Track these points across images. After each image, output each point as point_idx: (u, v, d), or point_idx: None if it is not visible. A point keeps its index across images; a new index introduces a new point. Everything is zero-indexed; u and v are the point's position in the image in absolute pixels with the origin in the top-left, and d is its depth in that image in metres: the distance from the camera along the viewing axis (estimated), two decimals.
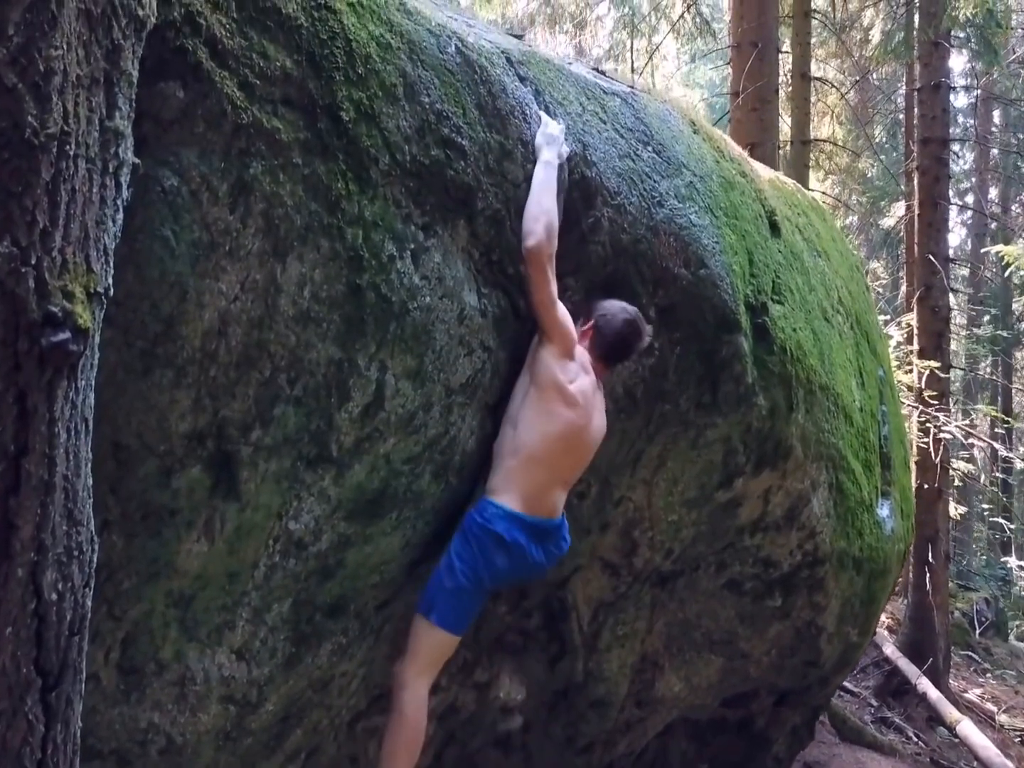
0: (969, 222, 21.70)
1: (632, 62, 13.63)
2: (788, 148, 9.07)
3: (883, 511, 4.39)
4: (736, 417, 3.12)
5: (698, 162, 3.06)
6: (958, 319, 17.26)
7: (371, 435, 2.18)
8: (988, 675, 12.26)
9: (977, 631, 13.63)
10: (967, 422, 9.38)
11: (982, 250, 15.22)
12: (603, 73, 3.17)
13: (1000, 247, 9.53)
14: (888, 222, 15.42)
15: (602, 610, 3.47)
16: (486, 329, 2.41)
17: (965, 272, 20.42)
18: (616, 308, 2.64)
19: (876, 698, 9.53)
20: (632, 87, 3.11)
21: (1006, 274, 9.89)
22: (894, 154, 15.32)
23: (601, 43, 14.25)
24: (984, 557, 13.49)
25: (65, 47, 1.41)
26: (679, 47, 12.59)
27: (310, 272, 1.96)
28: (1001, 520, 11.18)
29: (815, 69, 11.17)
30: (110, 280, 1.52)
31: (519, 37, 3.60)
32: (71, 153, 1.43)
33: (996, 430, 10.99)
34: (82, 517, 1.46)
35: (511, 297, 2.48)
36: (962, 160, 20.31)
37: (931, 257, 9.83)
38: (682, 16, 9.62)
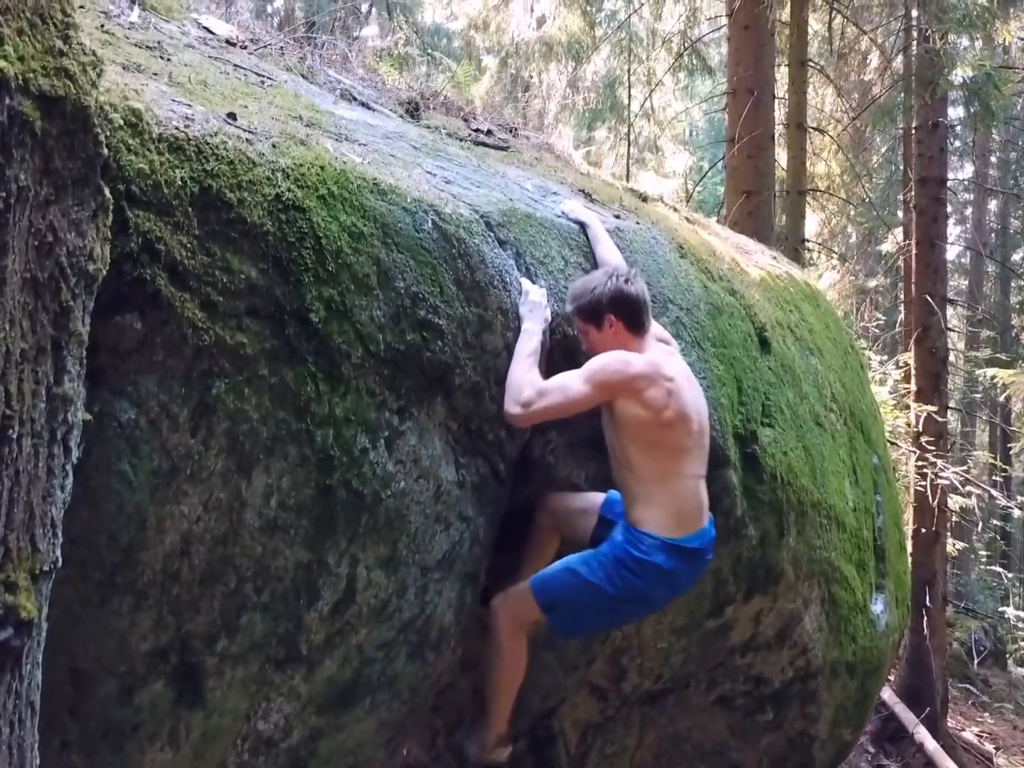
0: (968, 235, 21.59)
1: (629, 87, 13.61)
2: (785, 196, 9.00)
3: (877, 607, 4.32)
4: (726, 549, 3.06)
5: (685, 293, 3.00)
6: (957, 343, 17.23)
7: (342, 629, 2.11)
8: (987, 711, 12.19)
9: (975, 661, 13.53)
10: (964, 469, 9.29)
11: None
12: (593, 200, 3.11)
13: (996, 371, 9.47)
14: (886, 247, 15.35)
15: (591, 732, 3.42)
16: (464, 499, 2.34)
17: (964, 283, 20.35)
18: (606, 286, 2.44)
19: (873, 744, 9.46)
20: (619, 215, 3.05)
21: (1002, 396, 9.81)
22: (893, 182, 15.25)
23: (599, 69, 14.19)
24: (982, 590, 13.41)
25: (8, 325, 1.35)
26: (675, 85, 12.51)
27: (276, 482, 1.90)
28: (999, 568, 11.12)
29: (813, 105, 11.12)
30: (58, 551, 1.46)
31: (504, 149, 3.55)
32: (14, 436, 1.36)
33: (994, 477, 10.94)
34: None
35: (491, 462, 2.42)
36: (961, 171, 20.20)
37: (928, 298, 9.77)
38: (679, 57, 9.54)
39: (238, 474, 1.83)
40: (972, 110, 6.97)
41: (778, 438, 3.29)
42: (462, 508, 2.33)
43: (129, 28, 2.53)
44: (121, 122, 1.67)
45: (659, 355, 2.50)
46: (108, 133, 1.65)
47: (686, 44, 8.88)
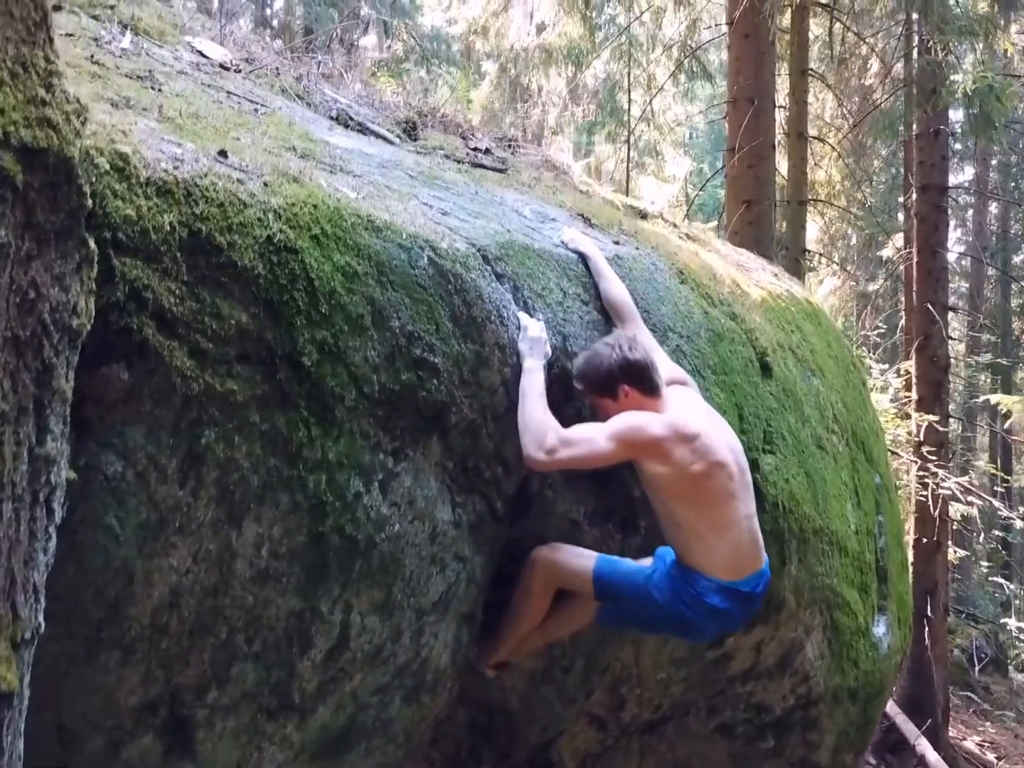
0: (968, 239, 21.51)
1: (629, 93, 13.56)
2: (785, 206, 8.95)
3: (879, 629, 4.28)
4: None
5: (685, 320, 2.96)
6: (957, 345, 17.17)
7: (336, 676, 2.07)
8: (988, 719, 12.14)
9: (976, 668, 13.46)
10: (966, 479, 9.25)
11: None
12: (592, 224, 3.06)
13: (999, 397, 9.42)
14: (886, 252, 15.30)
15: (590, 761, 3.37)
16: (461, 539, 2.30)
17: (965, 285, 20.28)
18: (611, 359, 2.41)
19: (874, 755, 9.42)
20: (618, 241, 3.00)
21: (1006, 425, 9.76)
22: (894, 186, 15.20)
23: (598, 74, 14.13)
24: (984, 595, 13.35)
25: None
26: (676, 88, 12.45)
27: (268, 530, 1.85)
28: (1001, 580, 11.08)
29: (814, 110, 11.07)
30: (40, 617, 1.42)
31: (502, 171, 3.50)
32: None
33: (996, 488, 10.90)
34: None
35: (488, 499, 2.37)
36: (961, 174, 20.12)
37: (930, 306, 9.72)
38: (680, 64, 9.49)
39: (228, 524, 1.79)
40: (972, 119, 6.89)
41: (780, 465, 3.24)
42: (458, 548, 2.29)
43: (120, 56, 2.49)
44: (107, 167, 1.62)
45: (679, 411, 2.47)
46: (94, 179, 1.61)
47: (686, 52, 8.81)
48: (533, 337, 2.32)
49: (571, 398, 2.51)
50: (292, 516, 1.88)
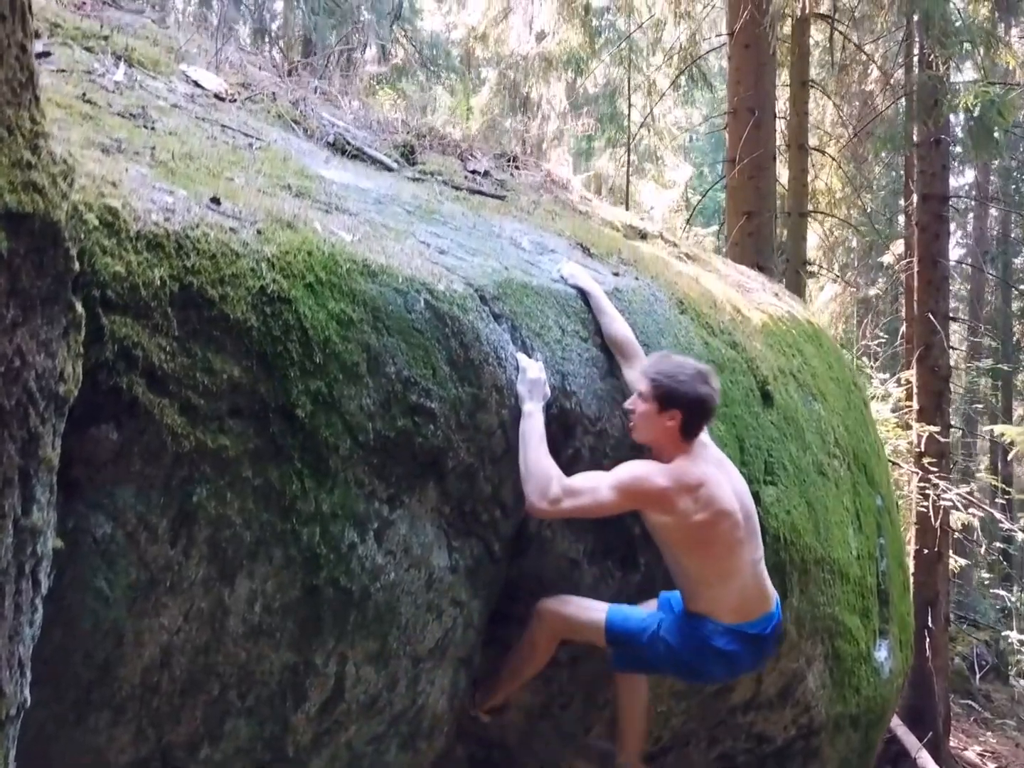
0: (971, 243, 21.44)
1: (629, 99, 13.53)
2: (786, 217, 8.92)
3: (881, 653, 4.25)
4: None
5: (685, 352, 2.91)
6: (958, 346, 17.12)
7: (330, 728, 2.04)
8: (989, 727, 12.10)
9: (977, 675, 13.42)
10: (967, 490, 9.22)
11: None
12: (591, 254, 3.03)
13: (1003, 428, 9.39)
14: (887, 258, 15.27)
15: None
16: (458, 584, 2.27)
17: (966, 288, 20.23)
18: (694, 389, 2.42)
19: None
20: (617, 272, 2.97)
21: (1009, 457, 9.73)
22: (895, 191, 15.17)
23: (598, 80, 14.10)
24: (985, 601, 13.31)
25: None
26: (676, 92, 12.41)
27: (261, 586, 1.82)
28: (1002, 592, 11.05)
29: (814, 116, 11.03)
30: (26, 691, 1.39)
31: (500, 198, 3.47)
32: None
33: (997, 500, 10.88)
34: None
35: (486, 542, 2.34)
36: (962, 177, 20.05)
37: (931, 316, 9.69)
38: (680, 74, 9.45)
39: (220, 582, 1.76)
40: (973, 133, 6.85)
41: (781, 496, 3.21)
42: (455, 593, 2.26)
43: (114, 91, 2.46)
44: (96, 222, 1.59)
45: (683, 461, 2.45)
46: (83, 235, 1.58)
47: (687, 60, 8.77)
48: (532, 379, 2.29)
49: (570, 437, 2.48)
50: (286, 571, 1.85)
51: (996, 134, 6.49)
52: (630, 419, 2.51)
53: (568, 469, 2.50)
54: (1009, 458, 14.62)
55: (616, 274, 2.96)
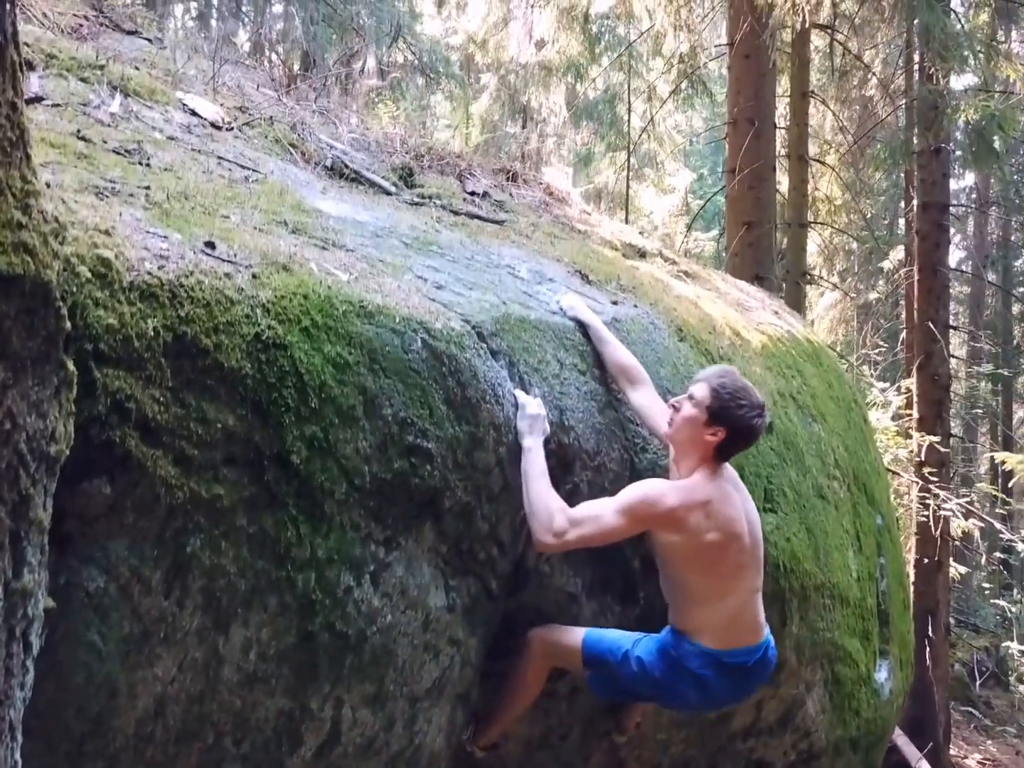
0: (971, 246, 21.41)
1: (629, 107, 13.52)
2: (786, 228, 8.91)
3: (881, 674, 4.23)
4: None
5: (684, 381, 2.89)
6: (958, 352, 17.09)
7: None
8: (989, 735, 12.07)
9: (977, 682, 13.38)
10: (967, 500, 9.20)
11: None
12: (589, 281, 3.02)
13: (1003, 455, 9.38)
14: (887, 264, 15.26)
15: None
16: (455, 623, 2.25)
17: (965, 290, 20.20)
18: (750, 415, 2.43)
19: None
20: (616, 300, 2.96)
21: (1010, 484, 9.73)
22: (896, 196, 15.15)
23: (598, 85, 14.09)
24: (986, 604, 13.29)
25: None
26: (676, 102, 12.38)
27: (256, 634, 1.81)
28: (1003, 603, 11.03)
29: (814, 123, 11.02)
30: (17, 755, 1.38)
31: (499, 223, 3.46)
32: None
33: (997, 510, 10.86)
34: None
35: (483, 580, 2.33)
36: (962, 179, 19.98)
37: (931, 325, 9.68)
38: (678, 86, 9.43)
39: (215, 631, 1.75)
40: (973, 147, 6.84)
41: (781, 524, 3.20)
42: (452, 632, 2.24)
43: (109, 124, 2.44)
44: (89, 275, 1.58)
45: (699, 478, 2.45)
46: (75, 288, 1.57)
47: (685, 74, 8.76)
48: (532, 415, 2.28)
49: (569, 473, 2.47)
50: (281, 617, 1.84)
51: (996, 146, 6.45)
52: (671, 418, 2.49)
53: (568, 503, 2.50)
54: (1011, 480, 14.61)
55: (615, 302, 2.95)
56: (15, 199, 1.37)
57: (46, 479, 1.42)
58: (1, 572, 1.35)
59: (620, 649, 2.52)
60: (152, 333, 1.64)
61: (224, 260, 1.87)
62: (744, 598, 2.54)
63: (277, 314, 1.84)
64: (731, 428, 2.42)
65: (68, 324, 1.42)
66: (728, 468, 2.59)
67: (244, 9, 10.41)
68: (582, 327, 2.66)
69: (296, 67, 8.62)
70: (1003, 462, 8.51)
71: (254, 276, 1.87)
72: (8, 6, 1.39)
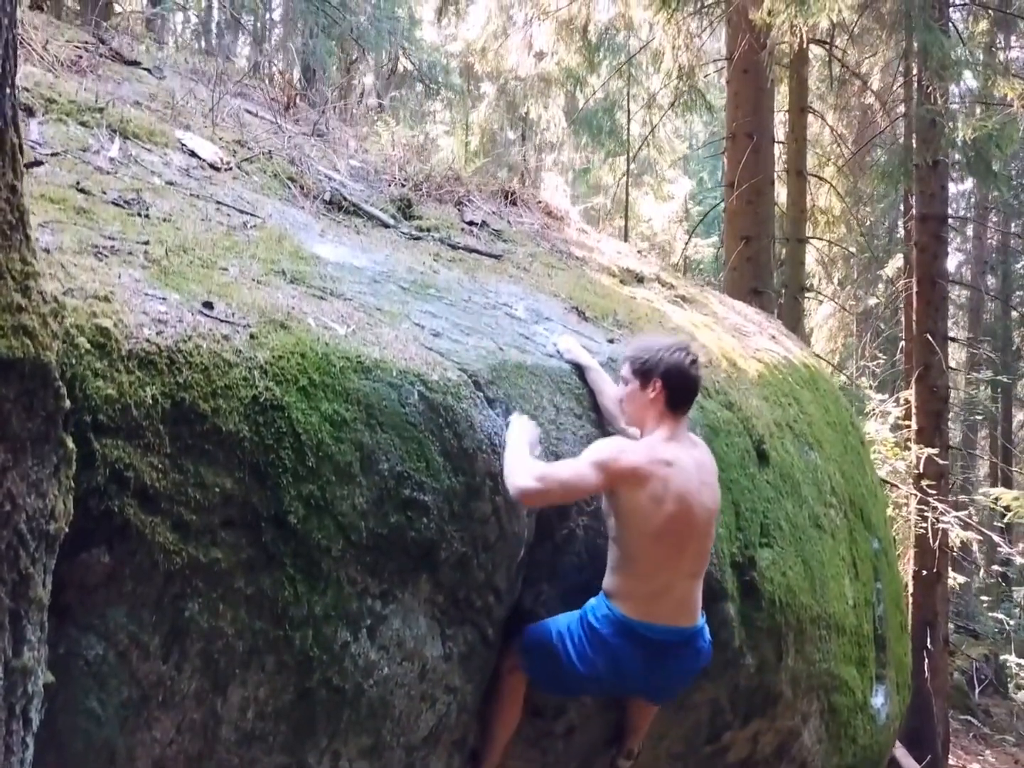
0: (970, 249, 21.42)
1: (629, 111, 13.54)
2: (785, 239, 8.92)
3: (878, 699, 4.24)
4: (723, 680, 2.98)
5: None
6: (957, 355, 17.11)
7: None
8: (988, 744, 12.07)
9: (976, 690, 13.38)
10: (966, 513, 9.22)
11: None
12: (586, 318, 3.04)
13: (1000, 491, 9.39)
14: (886, 272, 15.28)
15: None
16: (452, 672, 2.27)
17: (965, 294, 20.20)
18: (670, 356, 2.46)
19: None
20: (612, 339, 2.98)
21: (1004, 520, 9.74)
22: (895, 204, 15.16)
23: (598, 94, 14.11)
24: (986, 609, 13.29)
25: None
26: (675, 110, 12.38)
27: (254, 693, 1.82)
28: (1001, 616, 11.04)
29: (813, 130, 11.04)
30: None
31: (497, 257, 3.47)
32: None
33: (995, 523, 10.86)
34: None
35: (480, 628, 2.34)
36: (962, 184, 19.97)
37: (929, 337, 9.69)
38: (676, 101, 9.44)
39: (213, 692, 1.76)
40: (971, 164, 6.85)
41: (777, 558, 3.21)
42: (449, 681, 2.26)
43: (108, 171, 2.46)
44: (88, 346, 1.60)
45: (657, 438, 2.44)
46: (74, 360, 1.58)
47: (682, 91, 8.77)
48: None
49: (565, 519, 2.49)
50: (278, 676, 1.85)
51: (994, 167, 6.47)
52: (621, 395, 2.54)
53: (563, 548, 2.52)
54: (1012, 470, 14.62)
55: (611, 340, 2.96)
56: (15, 282, 1.39)
57: (46, 557, 1.43)
58: (1, 652, 1.36)
59: (549, 627, 2.49)
60: (151, 401, 1.65)
61: (222, 320, 1.88)
62: (678, 578, 2.47)
63: (275, 375, 1.86)
64: (663, 376, 2.44)
65: (67, 402, 1.43)
66: (695, 439, 2.60)
67: (243, 20, 10.43)
68: (579, 370, 2.67)
69: (296, 76, 8.65)
70: (998, 499, 8.53)
71: (252, 336, 1.89)
72: (8, 90, 1.40)
